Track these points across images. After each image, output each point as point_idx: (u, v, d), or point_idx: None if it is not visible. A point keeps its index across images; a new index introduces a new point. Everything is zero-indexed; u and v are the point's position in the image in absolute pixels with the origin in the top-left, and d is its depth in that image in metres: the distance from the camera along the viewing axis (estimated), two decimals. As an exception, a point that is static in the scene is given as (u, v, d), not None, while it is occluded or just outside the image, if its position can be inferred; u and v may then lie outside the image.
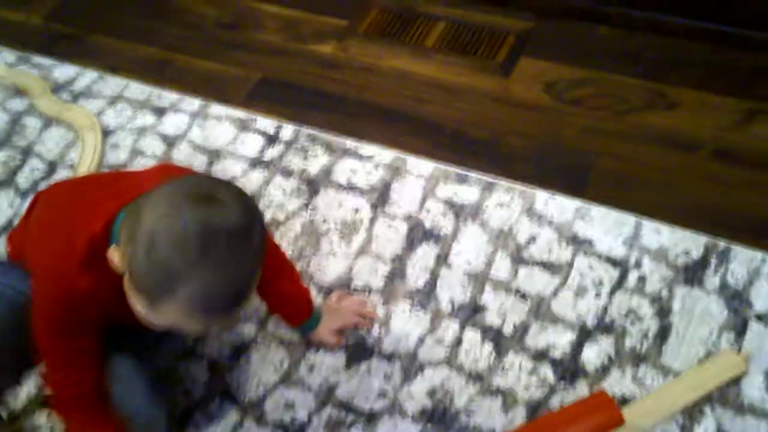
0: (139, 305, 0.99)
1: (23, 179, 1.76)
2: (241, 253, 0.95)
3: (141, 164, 1.75)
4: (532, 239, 1.51)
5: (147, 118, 1.85)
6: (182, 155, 1.76)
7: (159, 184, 1.00)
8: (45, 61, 2.02)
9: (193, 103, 1.87)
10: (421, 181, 1.63)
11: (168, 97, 1.89)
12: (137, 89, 1.92)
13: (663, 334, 1.35)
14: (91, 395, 1.15)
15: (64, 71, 1.99)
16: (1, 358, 1.20)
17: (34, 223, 1.21)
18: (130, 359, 1.21)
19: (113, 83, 1.95)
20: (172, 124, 1.83)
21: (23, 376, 1.29)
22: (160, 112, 1.86)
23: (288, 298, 1.36)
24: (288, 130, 1.77)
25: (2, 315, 1.18)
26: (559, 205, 1.55)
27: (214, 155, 1.75)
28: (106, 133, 1.83)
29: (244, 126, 1.80)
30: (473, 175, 1.63)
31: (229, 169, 1.72)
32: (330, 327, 1.40)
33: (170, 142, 1.79)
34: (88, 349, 1.14)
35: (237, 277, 0.96)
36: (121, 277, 1.01)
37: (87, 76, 1.97)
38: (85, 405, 1.16)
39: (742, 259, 1.43)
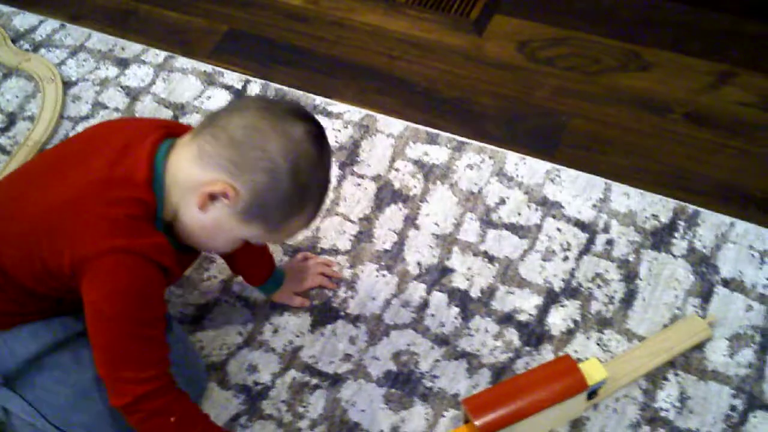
0: (246, 233, 1.03)
1: (-19, 132, 1.71)
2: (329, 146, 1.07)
3: (104, 117, 1.70)
4: (502, 201, 1.49)
5: (110, 70, 1.80)
6: (146, 109, 1.71)
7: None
8: (4, 8, 1.95)
9: (158, 55, 1.82)
10: (390, 140, 1.61)
11: (132, 48, 1.84)
12: (100, 40, 1.86)
13: (629, 298, 1.35)
14: (172, 381, 1.06)
15: (24, 20, 1.92)
16: None
17: (36, 215, 1.05)
18: None
19: (75, 33, 1.89)
20: (136, 76, 1.78)
21: None
22: (123, 63, 1.81)
23: (252, 256, 1.33)
24: (256, 85, 1.73)
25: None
26: (529, 168, 1.53)
27: (179, 109, 1.71)
28: (68, 84, 1.78)
29: (210, 80, 1.76)
30: (444, 135, 1.60)
31: (194, 124, 1.67)
32: (294, 288, 1.38)
33: (134, 95, 1.74)
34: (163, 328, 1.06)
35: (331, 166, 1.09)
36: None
37: (48, 26, 1.91)
38: (174, 395, 1.06)
39: (710, 223, 1.43)
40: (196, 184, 1.00)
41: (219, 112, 1.06)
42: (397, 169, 1.56)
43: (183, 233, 1.06)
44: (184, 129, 1.10)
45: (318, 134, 1.03)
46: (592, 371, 1.18)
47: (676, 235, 1.42)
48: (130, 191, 1.01)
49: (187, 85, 1.75)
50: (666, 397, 1.24)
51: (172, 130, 1.08)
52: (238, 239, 1.06)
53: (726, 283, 1.35)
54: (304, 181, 1.00)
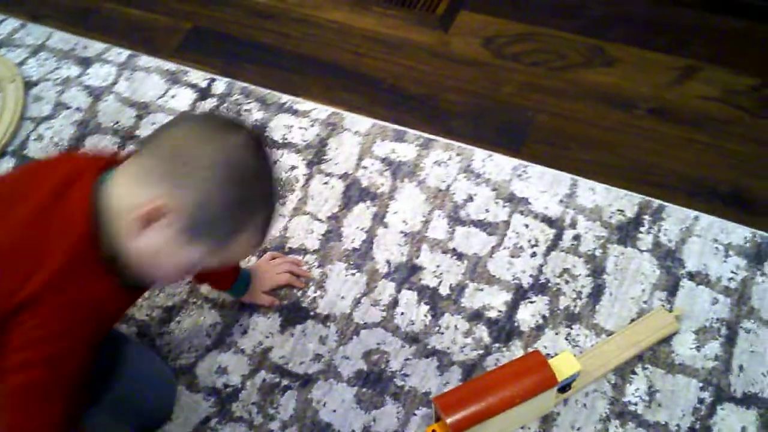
0: (193, 254, 0.95)
1: (-60, 133, 1.68)
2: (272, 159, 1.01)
3: (66, 118, 1.68)
4: (470, 198, 1.49)
5: (72, 69, 1.77)
6: (109, 108, 1.69)
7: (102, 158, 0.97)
8: (-38, 7, 1.92)
9: (121, 53, 1.79)
10: (358, 138, 1.60)
11: (94, 47, 1.81)
12: (61, 38, 1.83)
13: (597, 293, 1.36)
14: None
15: (-18, 18, 1.89)
16: None
17: None
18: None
19: (36, 32, 1.86)
20: (98, 75, 1.75)
21: None
22: (85, 62, 1.78)
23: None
24: (221, 84, 1.72)
25: None
26: (496, 164, 1.54)
27: (143, 108, 1.68)
28: (29, 84, 1.75)
29: (174, 79, 1.74)
30: (411, 132, 1.60)
31: (158, 123, 1.65)
32: (262, 287, 1.37)
33: (96, 94, 1.72)
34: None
35: (278, 181, 1.03)
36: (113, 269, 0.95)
37: (8, 25, 1.87)
38: None
39: (676, 218, 1.44)
40: (134, 207, 0.93)
41: (158, 128, 1.01)
42: (364, 167, 1.55)
43: (129, 267, 0.97)
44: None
45: (257, 145, 0.97)
46: (564, 365, 1.19)
47: (642, 229, 1.43)
48: (66, 234, 0.95)
49: (151, 84, 1.73)
50: (635, 391, 1.25)
51: (116, 160, 1.01)
52: (186, 264, 0.97)
53: (691, 276, 1.37)
54: (245, 191, 0.94)
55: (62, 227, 0.95)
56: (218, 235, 0.95)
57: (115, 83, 1.73)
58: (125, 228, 0.94)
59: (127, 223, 0.93)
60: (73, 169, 1.00)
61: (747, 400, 1.23)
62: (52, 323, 0.94)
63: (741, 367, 1.26)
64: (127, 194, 0.94)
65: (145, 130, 1.64)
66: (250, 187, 0.95)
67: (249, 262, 1.42)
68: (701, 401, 1.24)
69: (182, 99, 1.69)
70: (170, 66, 1.76)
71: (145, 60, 1.77)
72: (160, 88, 1.72)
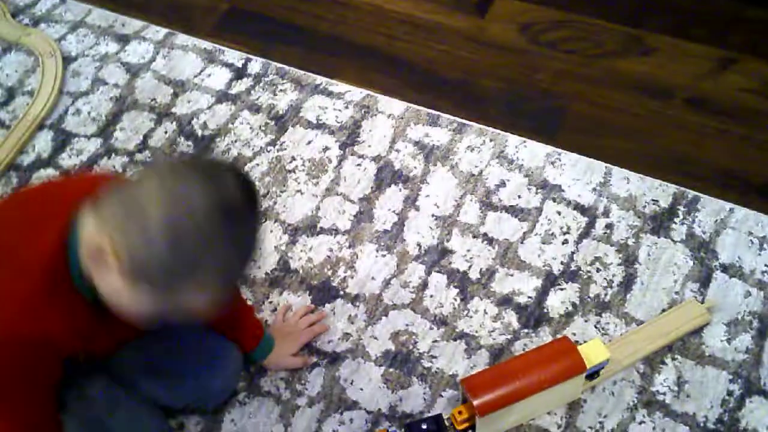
0: (141, 297, 0.91)
1: (-20, 106, 1.71)
2: (251, 221, 0.94)
3: (103, 93, 1.70)
4: (502, 184, 1.49)
5: (110, 46, 1.79)
6: (146, 85, 1.71)
7: (100, 187, 0.93)
8: (3, -18, 1.94)
9: (158, 31, 1.81)
10: (391, 121, 1.60)
11: (132, 24, 1.83)
12: (100, 15, 1.85)
13: (628, 282, 1.36)
14: None
15: (23, -7, 1.91)
16: None
17: None
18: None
19: (76, 8, 1.87)
20: (136, 53, 1.77)
21: None
22: (123, 40, 1.80)
23: (240, 325, 1.27)
24: (257, 64, 1.73)
25: None
26: (530, 151, 1.53)
27: (179, 87, 1.70)
28: (67, 60, 1.77)
29: (210, 58, 1.75)
30: (444, 116, 1.60)
31: (194, 101, 1.67)
32: (289, 351, 1.31)
33: (134, 71, 1.74)
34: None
35: (251, 244, 0.94)
36: (88, 294, 0.95)
37: (48, 1, 1.89)
38: None
39: (710, 209, 1.43)
40: (85, 245, 0.92)
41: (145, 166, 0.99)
42: (397, 150, 1.56)
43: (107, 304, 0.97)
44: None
45: (229, 210, 0.89)
46: (594, 352, 1.19)
47: (676, 220, 1.42)
48: (40, 264, 0.96)
49: (188, 63, 1.74)
50: (663, 381, 1.25)
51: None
52: (143, 307, 0.94)
53: (725, 268, 1.36)
54: (189, 253, 0.88)
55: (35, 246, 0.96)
56: (159, 285, 0.91)
57: (152, 61, 1.75)
58: (86, 265, 0.94)
59: (84, 260, 0.94)
60: (63, 196, 1.02)
61: (777, 394, 1.23)
62: None
63: (772, 361, 1.26)
64: (89, 230, 0.92)
65: (181, 108, 1.66)
66: (195, 253, 0.89)
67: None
68: (730, 393, 1.23)
69: (218, 78, 1.71)
70: (207, 45, 1.77)
71: (182, 38, 1.79)
72: (197, 67, 1.73)
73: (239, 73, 1.71)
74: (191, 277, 0.90)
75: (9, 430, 1.02)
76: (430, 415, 1.23)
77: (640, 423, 1.21)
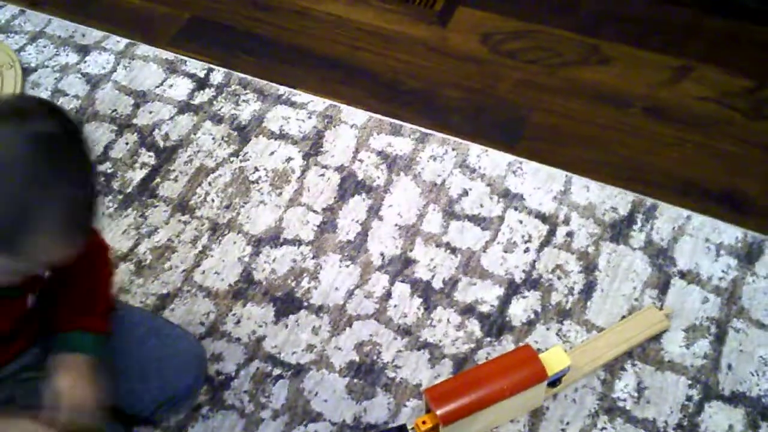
0: None
1: (-64, 118, 1.68)
2: (82, 153, 0.88)
3: (63, 104, 1.68)
4: (465, 193, 1.50)
5: (70, 57, 1.77)
6: (107, 96, 1.69)
7: None
8: (-40, -9, 1.92)
9: (119, 42, 1.80)
10: (354, 131, 1.61)
11: (92, 34, 1.81)
12: (60, 26, 1.83)
13: (588, 290, 1.37)
14: None
15: (-20, 3, 1.89)
16: None
17: None
18: None
19: (35, 19, 1.86)
20: (96, 63, 1.76)
21: None
22: (83, 50, 1.78)
23: (85, 285, 1.12)
24: (219, 74, 1.72)
25: None
26: (491, 160, 1.55)
27: (140, 97, 1.69)
28: (27, 71, 1.75)
29: (172, 68, 1.74)
30: (407, 126, 1.61)
31: (156, 112, 1.66)
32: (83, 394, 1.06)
33: (94, 82, 1.72)
34: None
35: (90, 179, 0.89)
36: None
37: (7, 11, 1.87)
38: None
39: (668, 216, 1.45)
40: None
41: None
42: (360, 160, 1.56)
43: None
44: None
45: (46, 141, 0.84)
46: (555, 359, 1.20)
47: (635, 227, 1.44)
48: None
49: (149, 73, 1.73)
50: (624, 387, 1.27)
51: None
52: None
53: (683, 275, 1.38)
54: (8, 192, 0.82)
55: None
56: (4, 239, 0.84)
57: (113, 71, 1.74)
58: None
59: None
60: None
61: (735, 399, 1.25)
62: None
63: (730, 366, 1.28)
64: None
65: (142, 119, 1.65)
66: (20, 196, 0.82)
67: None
68: (689, 398, 1.25)
69: (180, 88, 1.70)
70: (168, 55, 1.76)
71: (143, 49, 1.78)
72: (158, 77, 1.72)
73: (201, 84, 1.70)
74: (34, 227, 0.83)
75: None
76: (394, 425, 1.23)
77: (602, 429, 1.23)
